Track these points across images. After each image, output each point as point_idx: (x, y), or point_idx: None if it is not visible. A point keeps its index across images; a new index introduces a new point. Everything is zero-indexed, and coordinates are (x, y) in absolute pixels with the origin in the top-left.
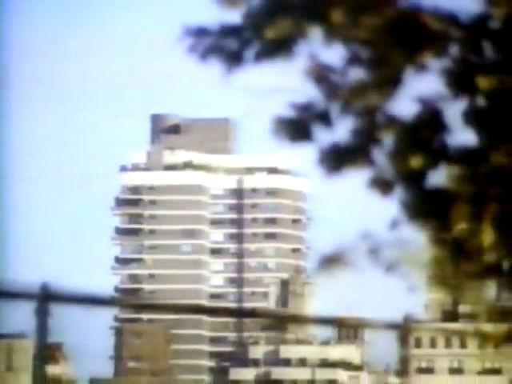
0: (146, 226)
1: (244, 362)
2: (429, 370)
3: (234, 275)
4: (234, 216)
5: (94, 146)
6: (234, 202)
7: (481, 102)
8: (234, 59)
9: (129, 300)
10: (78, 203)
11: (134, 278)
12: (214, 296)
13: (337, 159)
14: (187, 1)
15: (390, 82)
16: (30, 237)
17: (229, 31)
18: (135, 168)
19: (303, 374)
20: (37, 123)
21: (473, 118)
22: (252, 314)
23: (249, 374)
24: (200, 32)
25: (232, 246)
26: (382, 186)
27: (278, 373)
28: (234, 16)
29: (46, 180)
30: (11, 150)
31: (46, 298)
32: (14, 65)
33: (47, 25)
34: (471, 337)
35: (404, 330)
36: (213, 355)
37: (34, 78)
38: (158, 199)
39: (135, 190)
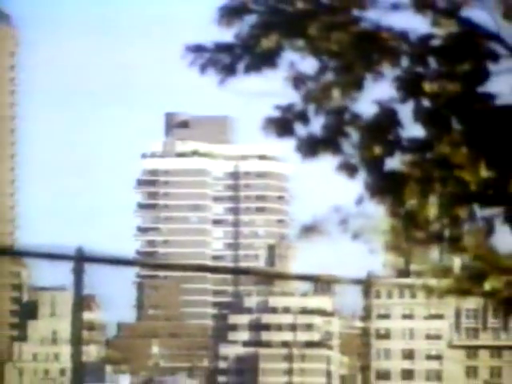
0: (161, 202)
1: (240, 310)
2: (386, 316)
3: (231, 241)
4: (231, 193)
5: (120, 139)
6: (231, 182)
7: (426, 103)
8: (227, 71)
9: (147, 261)
10: (108, 184)
11: (151, 243)
12: (215, 257)
13: (313, 148)
14: (191, 22)
15: (354, 87)
16: (71, 209)
17: (223, 48)
18: (153, 155)
19: (287, 319)
20: (70, 120)
21: (420, 115)
22: (246, 271)
23: (244, 319)
24: (199, 49)
25: (230, 218)
26: (349, 169)
27: (266, 318)
28: (228, 35)
29: (83, 165)
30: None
31: (82, 259)
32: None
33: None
34: (419, 290)
35: (367, 284)
36: (215, 304)
37: (64, 77)
38: (170, 180)
39: (153, 173)
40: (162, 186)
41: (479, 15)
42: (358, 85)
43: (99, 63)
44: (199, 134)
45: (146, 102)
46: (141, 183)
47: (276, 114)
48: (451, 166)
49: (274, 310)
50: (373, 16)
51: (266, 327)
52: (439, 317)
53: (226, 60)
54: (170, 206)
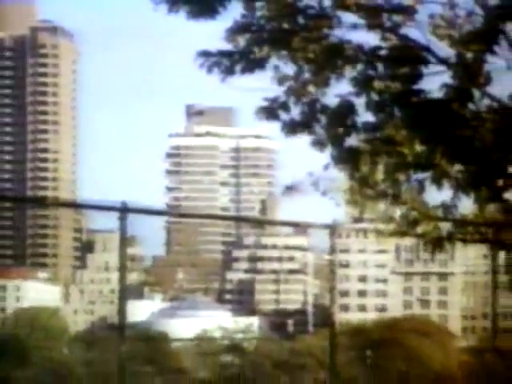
0: (182, 169)
1: (241, 246)
2: (346, 251)
3: (234, 197)
4: (233, 163)
5: (155, 123)
6: (233, 155)
7: (375, 96)
8: (228, 71)
9: (174, 211)
10: (146, 156)
11: (176, 199)
12: (223, 209)
13: (293, 129)
14: (202, 35)
15: (323, 84)
16: (119, 174)
17: (224, 54)
18: (177, 135)
19: (275, 253)
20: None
21: (371, 106)
22: (245, 219)
23: (243, 253)
24: (207, 54)
25: (232, 180)
26: (319, 145)
27: (260, 253)
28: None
29: (129, 142)
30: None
31: (125, 210)
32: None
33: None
34: (371, 232)
35: (332, 228)
36: (223, 243)
37: (114, 77)
38: (189, 153)
39: (177, 148)
40: (184, 157)
41: (414, 32)
42: (326, 83)
43: (140, 66)
44: (210, 119)
45: (173, 96)
46: (168, 155)
47: (265, 104)
48: (394, 143)
49: (265, 247)
50: (338, 33)
51: (260, 259)
52: (385, 251)
53: (226, 63)
54: (189, 172)
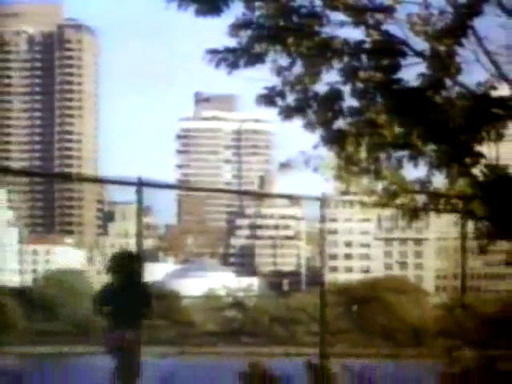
0: (191, 148)
1: (243, 216)
2: (335, 220)
3: (236, 173)
4: (236, 143)
5: (167, 108)
6: (236, 136)
7: (360, 85)
8: (233, 65)
9: (183, 186)
10: (160, 138)
11: (185, 175)
12: (226, 183)
13: (288, 114)
14: (211, 32)
15: (315, 75)
16: (135, 153)
17: (230, 50)
18: (187, 119)
19: (272, 222)
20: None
21: (356, 93)
22: (246, 192)
23: (245, 222)
24: (215, 52)
25: (234, 159)
26: (311, 127)
27: (259, 221)
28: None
29: (144, 124)
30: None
31: (141, 184)
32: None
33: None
34: (356, 203)
35: (322, 200)
36: (227, 213)
37: (132, 66)
38: (197, 135)
39: (186, 130)
40: (192, 138)
41: (394, 29)
42: (318, 73)
43: (155, 57)
44: (216, 105)
45: (184, 85)
46: (179, 137)
47: (264, 92)
48: (375, 126)
49: (264, 216)
50: (327, 30)
51: (259, 227)
52: (368, 220)
53: (231, 59)
54: (197, 151)
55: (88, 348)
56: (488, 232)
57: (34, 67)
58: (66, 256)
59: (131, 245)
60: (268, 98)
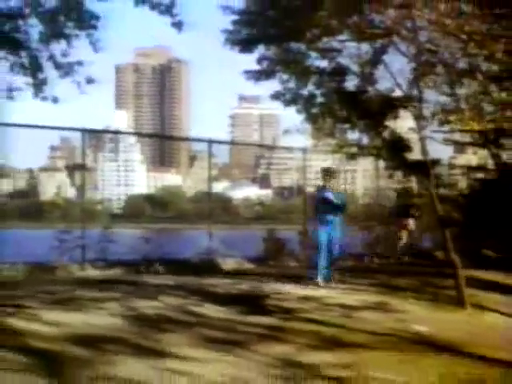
0: (238, 121)
1: (263, 157)
2: (311, 160)
3: (259, 137)
4: (260, 122)
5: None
6: (259, 120)
7: (324, 90)
8: (258, 79)
9: (232, 142)
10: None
11: (234, 137)
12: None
13: (287, 104)
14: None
15: (302, 84)
16: None
17: (258, 71)
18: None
19: (277, 161)
20: None
21: (323, 94)
22: (265, 146)
23: (264, 161)
24: (249, 71)
25: (259, 129)
26: (300, 111)
27: (271, 161)
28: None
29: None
30: None
31: (210, 141)
32: None
33: None
34: (322, 152)
35: (304, 150)
36: (255, 156)
37: None
38: (242, 118)
39: (235, 115)
40: (238, 118)
41: (344, 59)
42: (303, 83)
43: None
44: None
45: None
46: (231, 117)
47: (275, 92)
48: (333, 111)
49: (274, 158)
50: (310, 61)
51: (272, 164)
52: (328, 160)
53: (257, 75)
54: (242, 124)
55: (184, 225)
56: (388, 166)
57: (154, 82)
58: (171, 178)
59: (205, 174)
60: (277, 96)
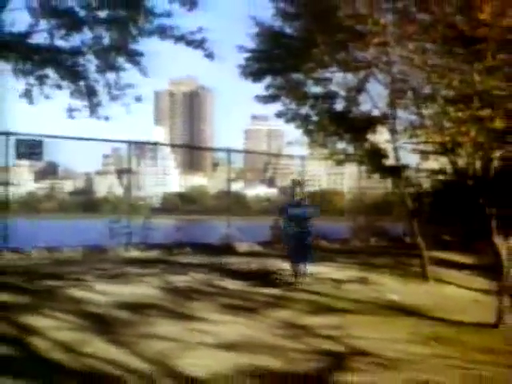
0: (251, 135)
1: (270, 164)
2: (307, 166)
3: (267, 147)
4: (268, 137)
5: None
6: (268, 134)
7: (316, 110)
8: (267, 102)
9: (247, 151)
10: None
11: (247, 146)
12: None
13: (289, 120)
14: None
15: (300, 105)
16: None
17: (267, 96)
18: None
19: (281, 167)
20: None
21: (316, 113)
22: (272, 154)
23: (271, 166)
24: (260, 96)
25: (267, 142)
26: (299, 127)
27: (277, 166)
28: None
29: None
30: None
31: (229, 150)
32: None
33: None
34: (317, 159)
35: (302, 158)
36: (264, 163)
37: None
38: (254, 134)
39: (248, 131)
40: (250, 133)
41: (333, 86)
42: (302, 104)
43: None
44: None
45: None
46: (245, 132)
47: (280, 111)
48: (324, 127)
49: (279, 164)
50: (306, 88)
51: (277, 168)
52: (321, 165)
53: (268, 99)
54: (254, 137)
55: (208, 217)
56: (369, 170)
57: (185, 104)
58: (198, 180)
59: (224, 176)
60: (281, 115)
